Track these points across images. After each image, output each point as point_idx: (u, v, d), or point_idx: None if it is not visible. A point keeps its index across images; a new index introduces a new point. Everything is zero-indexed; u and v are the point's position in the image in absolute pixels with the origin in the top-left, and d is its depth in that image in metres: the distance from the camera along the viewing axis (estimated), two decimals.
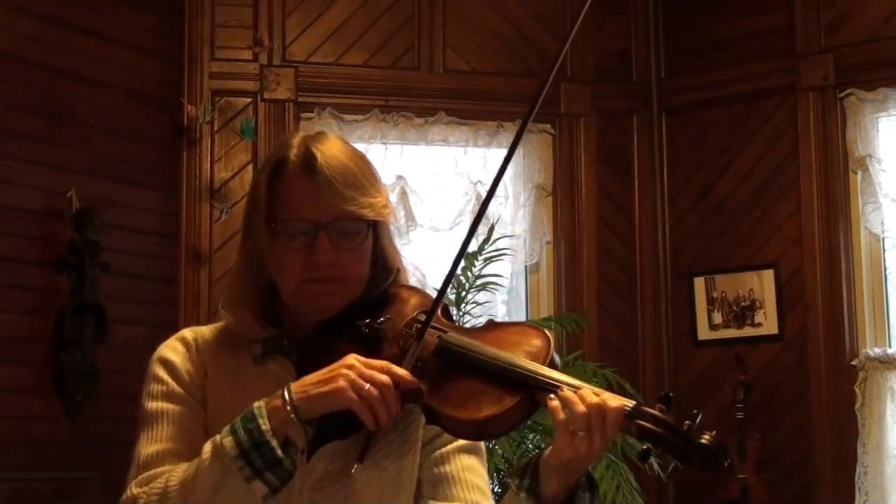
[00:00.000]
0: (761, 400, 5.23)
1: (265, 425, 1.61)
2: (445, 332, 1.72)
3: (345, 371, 1.61)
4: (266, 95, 5.22)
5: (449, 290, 1.83)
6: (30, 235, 4.39)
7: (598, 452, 1.59)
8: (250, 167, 5.17)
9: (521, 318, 5.46)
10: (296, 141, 1.80)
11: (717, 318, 5.43)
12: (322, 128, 5.26)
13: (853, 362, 5.07)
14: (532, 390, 1.61)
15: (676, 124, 5.66)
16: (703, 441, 1.55)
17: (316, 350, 1.77)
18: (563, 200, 5.52)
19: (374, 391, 1.59)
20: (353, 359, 1.63)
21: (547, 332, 1.72)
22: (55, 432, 4.41)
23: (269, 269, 1.80)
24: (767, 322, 5.31)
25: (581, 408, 1.57)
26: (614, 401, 1.58)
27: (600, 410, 1.57)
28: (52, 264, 4.42)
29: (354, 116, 5.32)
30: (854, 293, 5.14)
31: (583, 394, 1.58)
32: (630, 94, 5.69)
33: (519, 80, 5.53)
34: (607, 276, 5.52)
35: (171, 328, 5.25)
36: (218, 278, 5.07)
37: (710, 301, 5.46)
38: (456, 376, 1.67)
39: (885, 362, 5.00)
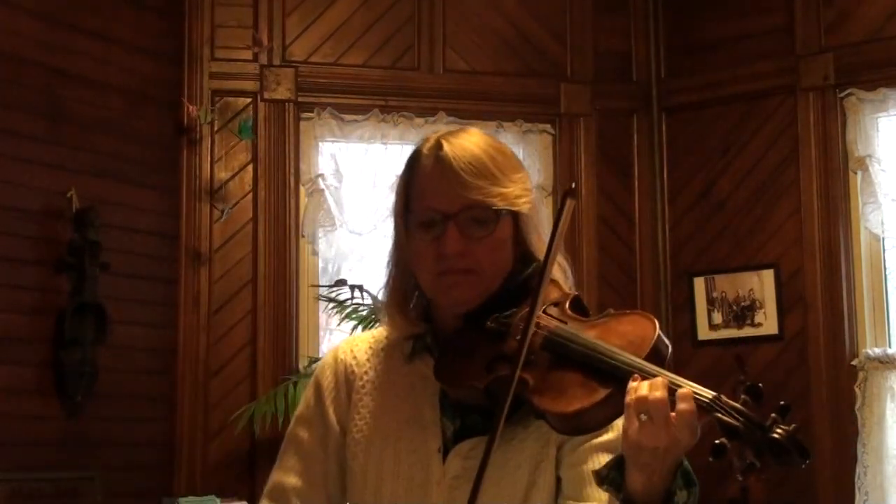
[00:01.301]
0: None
1: None
2: (562, 323, 1.70)
3: None
4: (266, 95, 5.22)
5: None
6: (30, 235, 4.39)
7: (667, 447, 1.52)
8: (250, 167, 5.17)
9: None
10: (432, 136, 1.81)
11: (717, 318, 5.43)
12: (322, 128, 5.26)
13: (853, 362, 5.07)
14: (624, 382, 1.56)
15: (676, 124, 5.66)
16: (775, 436, 1.48)
17: (452, 348, 1.78)
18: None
19: None
20: None
21: (654, 320, 1.67)
22: (55, 432, 4.41)
23: (411, 264, 1.81)
24: (767, 322, 5.31)
25: (643, 392, 1.52)
26: (687, 401, 1.51)
27: (662, 404, 1.51)
28: (52, 264, 4.42)
29: (354, 116, 5.32)
30: (854, 293, 5.14)
31: (655, 381, 1.53)
32: (630, 94, 5.69)
33: (519, 80, 5.53)
34: (607, 276, 5.52)
35: (171, 328, 5.32)
36: (218, 278, 5.07)
37: (710, 301, 5.45)
38: (561, 369, 1.64)
39: (885, 362, 5.00)
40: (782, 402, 1.52)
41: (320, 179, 5.21)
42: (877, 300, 5.16)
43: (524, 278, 1.79)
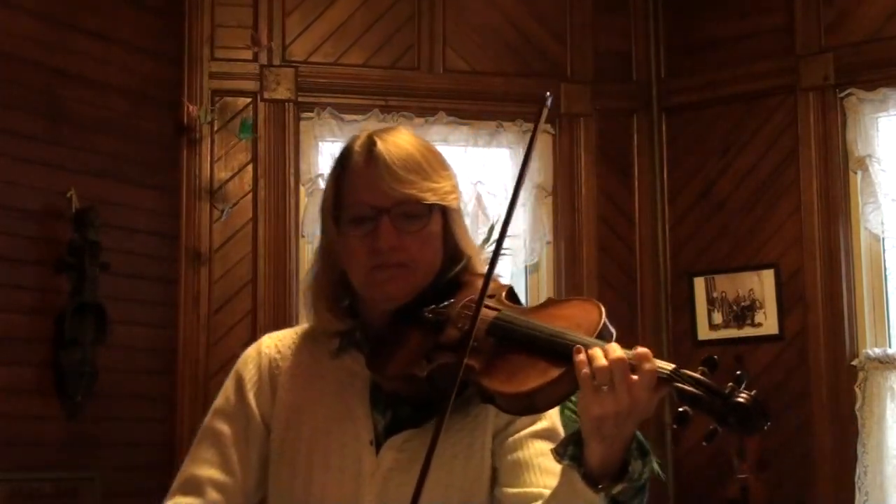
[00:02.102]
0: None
1: None
2: (500, 310, 1.73)
3: None
4: (266, 95, 5.22)
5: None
6: (30, 235, 4.39)
7: (629, 411, 1.54)
8: (250, 167, 5.17)
9: None
10: (363, 134, 1.84)
11: (718, 318, 5.43)
12: (322, 128, 5.26)
13: (853, 362, 5.07)
14: None
15: (676, 124, 5.66)
16: (740, 400, 1.53)
17: (385, 341, 1.80)
18: (563, 200, 5.51)
19: None
20: None
21: (600, 304, 1.71)
22: (55, 432, 4.40)
23: (341, 261, 1.83)
24: (767, 322, 5.31)
25: (602, 361, 1.55)
26: (649, 361, 1.55)
27: (623, 364, 1.54)
28: (52, 264, 4.42)
29: (354, 116, 5.32)
30: (854, 293, 5.14)
31: (609, 346, 1.57)
32: (630, 94, 5.69)
33: (519, 80, 5.53)
34: (607, 276, 5.52)
35: (171, 328, 5.32)
36: (218, 278, 5.07)
37: (710, 301, 5.45)
38: (507, 353, 1.67)
39: (885, 362, 5.00)
40: (738, 372, 1.57)
41: (320, 179, 5.20)
42: (877, 300, 5.16)
43: (454, 274, 1.83)
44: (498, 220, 5.19)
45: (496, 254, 1.75)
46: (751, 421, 1.53)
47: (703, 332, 5.44)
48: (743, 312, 5.38)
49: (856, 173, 5.18)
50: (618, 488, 1.59)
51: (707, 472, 5.33)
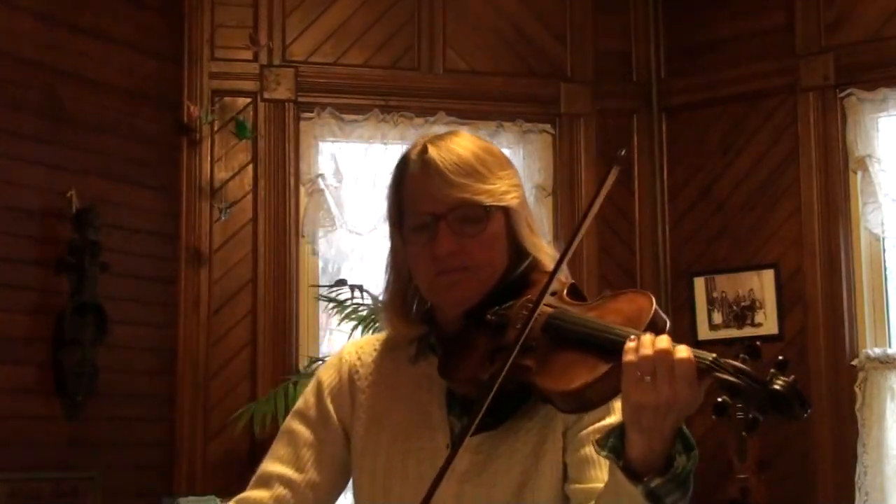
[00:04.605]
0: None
1: None
2: (555, 308, 1.72)
3: None
4: (266, 95, 5.22)
5: None
6: (30, 235, 4.39)
7: (669, 404, 1.52)
8: (250, 167, 5.17)
9: None
10: (419, 142, 1.85)
11: (717, 318, 5.43)
12: (322, 128, 5.26)
13: (853, 362, 5.07)
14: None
15: (676, 124, 5.66)
16: (776, 387, 1.50)
17: (455, 344, 1.80)
18: (563, 200, 5.51)
19: None
20: None
21: (650, 295, 1.69)
22: (55, 432, 4.41)
23: (408, 269, 1.85)
24: (767, 322, 5.31)
25: (647, 350, 1.53)
26: (686, 351, 1.53)
27: (667, 356, 1.52)
28: (52, 264, 4.42)
29: (354, 116, 5.32)
30: (854, 293, 5.14)
31: (656, 339, 1.55)
32: (630, 94, 5.69)
33: (519, 80, 5.53)
34: (607, 276, 5.52)
35: (171, 328, 5.31)
36: (218, 278, 5.07)
37: (710, 301, 5.46)
38: (560, 350, 1.66)
39: (885, 362, 5.00)
40: (780, 357, 1.53)
41: (320, 179, 5.21)
42: (877, 300, 5.16)
43: (520, 273, 1.82)
44: None
45: (564, 254, 1.74)
46: (789, 408, 1.50)
47: (703, 332, 5.44)
48: (743, 312, 5.38)
49: (856, 173, 5.18)
50: (656, 482, 1.58)
51: (707, 472, 5.32)
